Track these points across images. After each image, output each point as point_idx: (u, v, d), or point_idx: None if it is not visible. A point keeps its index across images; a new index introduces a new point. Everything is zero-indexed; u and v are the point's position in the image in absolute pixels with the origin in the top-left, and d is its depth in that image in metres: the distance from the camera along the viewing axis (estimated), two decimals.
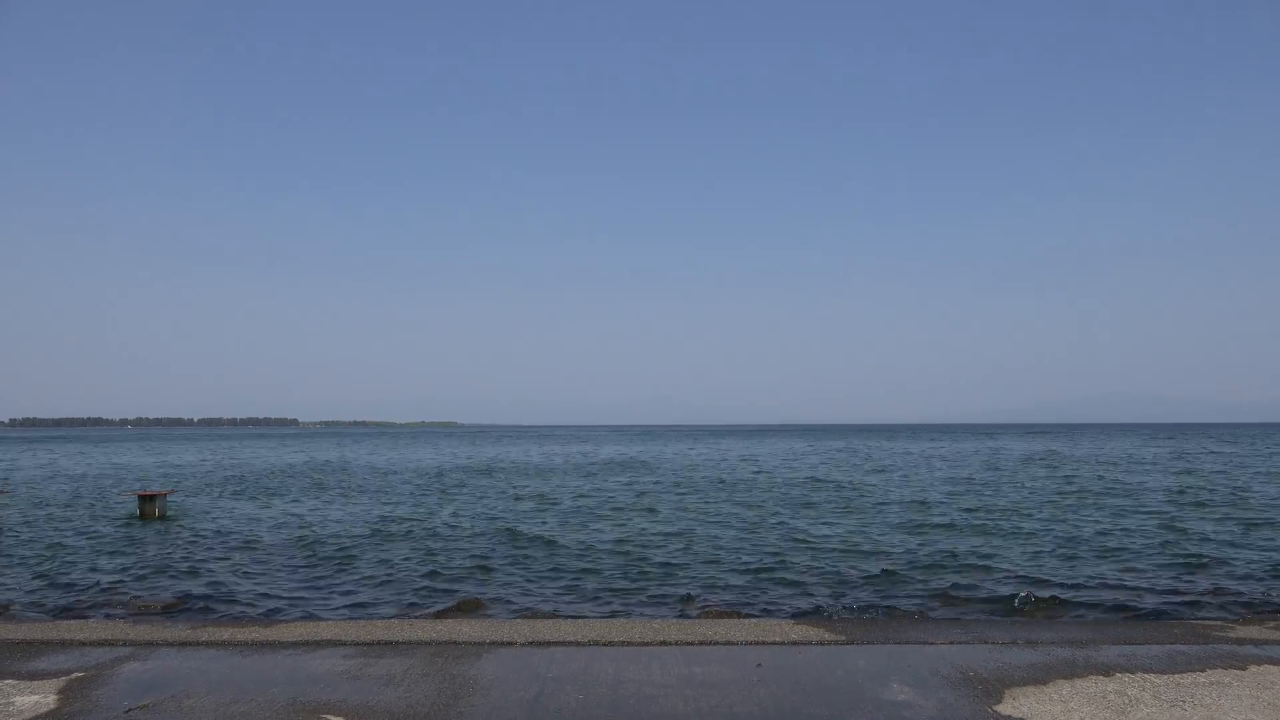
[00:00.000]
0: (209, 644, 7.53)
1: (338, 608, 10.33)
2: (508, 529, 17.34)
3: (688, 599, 10.68)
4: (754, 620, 9.01)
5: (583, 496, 25.17)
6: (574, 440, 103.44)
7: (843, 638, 7.70)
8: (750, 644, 7.44)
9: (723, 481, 30.72)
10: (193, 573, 12.69)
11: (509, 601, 10.66)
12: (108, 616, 9.78)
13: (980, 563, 13.08)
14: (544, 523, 18.64)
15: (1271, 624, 8.60)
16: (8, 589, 11.61)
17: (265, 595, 11.09)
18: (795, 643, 7.48)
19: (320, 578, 12.31)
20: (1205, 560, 13.23)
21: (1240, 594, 10.84)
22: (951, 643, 7.50)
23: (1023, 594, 10.65)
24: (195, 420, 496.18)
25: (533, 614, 9.76)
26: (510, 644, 7.45)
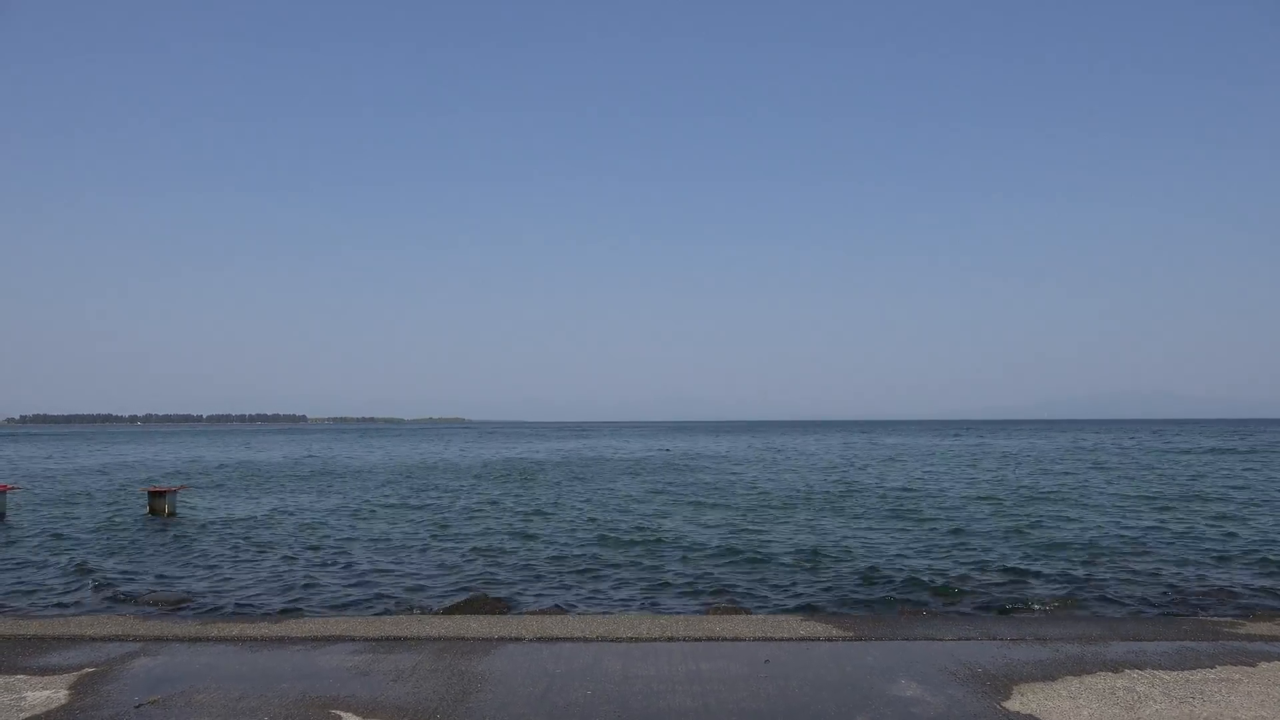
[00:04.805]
0: (219, 639, 7.58)
1: (347, 603, 10.37)
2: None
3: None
4: (761, 616, 9.01)
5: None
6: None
7: (850, 634, 7.69)
8: (758, 640, 7.44)
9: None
10: (202, 568, 12.76)
11: (522, 598, 10.67)
12: (118, 612, 9.84)
13: (988, 560, 13.06)
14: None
15: None
16: (20, 584, 11.69)
17: (274, 591, 11.14)
18: (803, 639, 7.48)
19: (329, 573, 12.36)
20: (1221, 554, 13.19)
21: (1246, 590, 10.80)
22: (960, 639, 7.48)
23: (1031, 591, 10.61)
24: (204, 417, 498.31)
25: (541, 610, 9.79)
26: (518, 639, 7.47)
